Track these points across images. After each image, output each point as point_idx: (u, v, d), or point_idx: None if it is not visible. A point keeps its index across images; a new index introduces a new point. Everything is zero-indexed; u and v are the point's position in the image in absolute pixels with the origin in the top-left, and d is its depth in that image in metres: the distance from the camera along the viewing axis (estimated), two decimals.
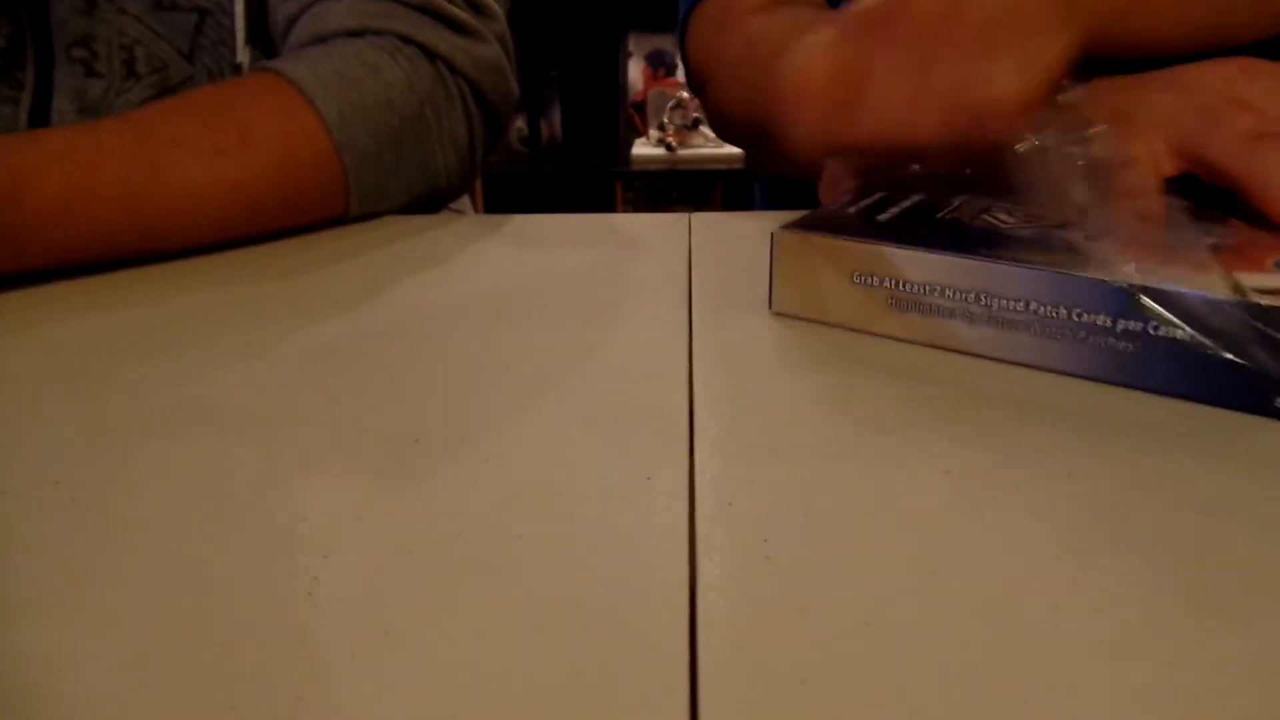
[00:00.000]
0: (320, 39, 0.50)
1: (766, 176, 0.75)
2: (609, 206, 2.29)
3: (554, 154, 2.23)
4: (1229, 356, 0.27)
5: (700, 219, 0.47)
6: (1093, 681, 0.18)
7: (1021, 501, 0.24)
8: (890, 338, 0.33)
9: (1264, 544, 0.22)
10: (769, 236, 0.34)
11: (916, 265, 0.32)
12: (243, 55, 0.55)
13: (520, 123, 2.12)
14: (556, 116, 2.23)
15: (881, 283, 0.32)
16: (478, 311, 0.36)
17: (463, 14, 0.52)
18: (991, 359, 0.31)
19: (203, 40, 0.55)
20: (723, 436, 0.27)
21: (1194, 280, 0.28)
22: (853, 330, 0.33)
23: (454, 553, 0.22)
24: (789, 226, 0.34)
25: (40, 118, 0.54)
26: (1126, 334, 0.29)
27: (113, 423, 0.29)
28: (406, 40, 0.50)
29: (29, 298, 0.39)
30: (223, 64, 0.56)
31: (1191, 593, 0.20)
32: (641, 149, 2.21)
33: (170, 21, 0.54)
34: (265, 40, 0.56)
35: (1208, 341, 0.27)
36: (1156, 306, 0.28)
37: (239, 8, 0.54)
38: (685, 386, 0.30)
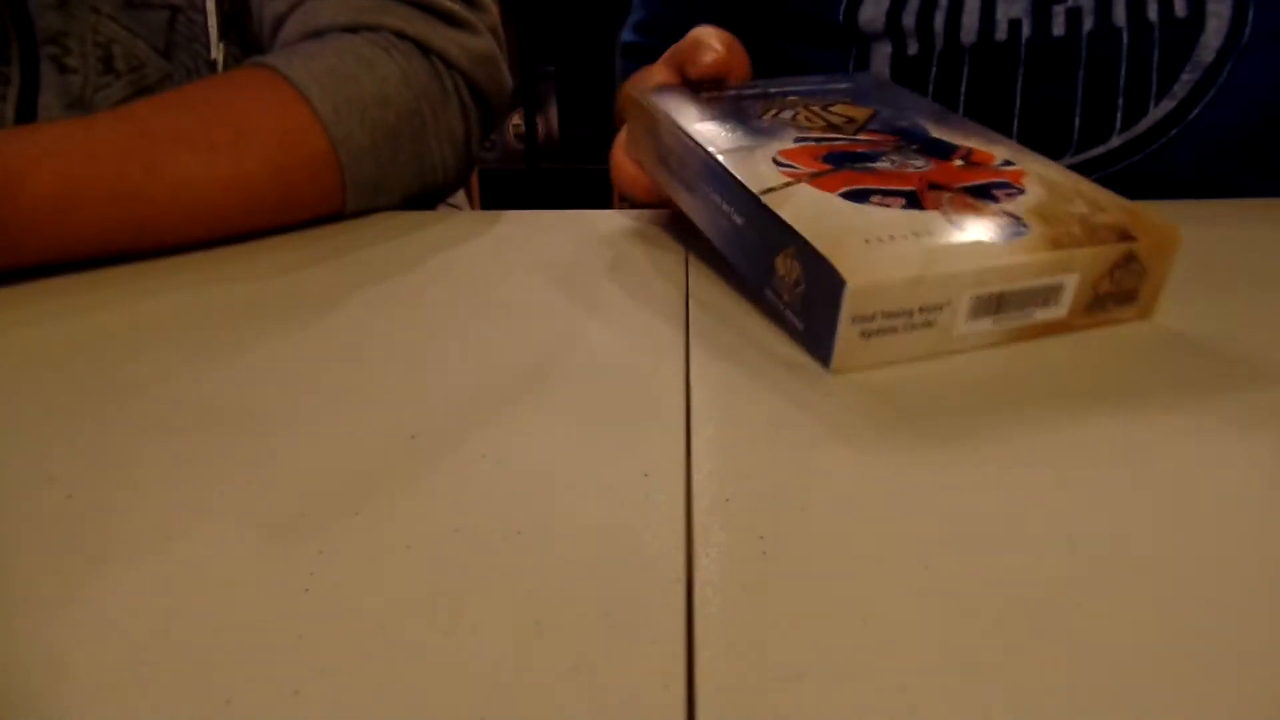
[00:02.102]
0: (313, 35, 0.50)
1: None
2: (606, 203, 2.28)
3: (551, 150, 2.22)
4: (740, 224, 0.34)
5: None
6: (1089, 676, 0.18)
7: (1020, 497, 0.24)
8: (662, 190, 0.41)
9: None
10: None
11: (666, 130, 0.39)
12: (216, 52, 0.54)
13: (517, 119, 2.12)
14: (553, 113, 2.23)
15: (655, 140, 0.41)
16: (475, 307, 0.36)
17: (455, 6, 0.52)
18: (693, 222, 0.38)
19: (177, 38, 0.55)
20: (720, 432, 0.27)
21: (750, 170, 0.34)
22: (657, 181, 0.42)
23: (451, 548, 0.22)
24: (652, 90, 0.43)
25: (28, 114, 0.54)
26: (723, 212, 0.35)
27: (108, 419, 0.28)
28: (401, 35, 0.50)
29: (23, 294, 0.39)
30: (198, 61, 0.55)
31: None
32: None
33: (143, 19, 0.54)
34: (241, 36, 0.56)
35: (733, 214, 0.34)
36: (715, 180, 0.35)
37: (210, 4, 0.53)
38: (682, 382, 0.30)
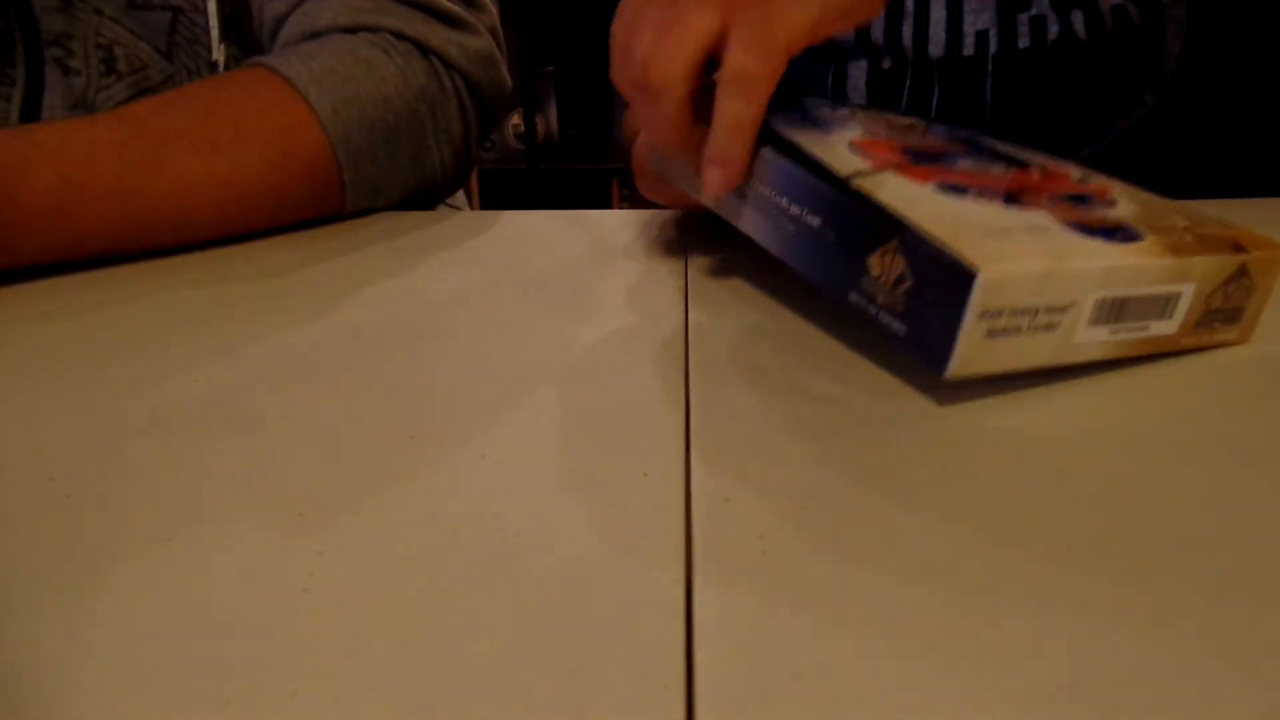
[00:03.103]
0: (312, 36, 0.50)
1: None
2: (605, 203, 2.28)
3: (550, 151, 2.22)
4: (815, 225, 0.30)
5: (695, 215, 0.47)
6: (1088, 676, 0.18)
7: (1019, 498, 0.24)
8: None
9: None
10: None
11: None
12: (218, 53, 0.55)
13: (517, 119, 2.12)
14: (553, 113, 2.23)
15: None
16: (473, 307, 0.36)
17: (454, 7, 0.52)
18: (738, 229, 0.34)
19: (178, 39, 0.55)
20: (719, 432, 0.27)
21: (830, 155, 0.30)
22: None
23: (450, 549, 0.22)
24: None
25: (31, 114, 0.54)
26: (790, 216, 0.31)
27: (107, 419, 0.28)
28: (400, 36, 0.50)
29: (23, 294, 0.39)
30: (199, 62, 0.56)
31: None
32: None
33: (145, 21, 0.54)
34: (241, 38, 0.56)
35: (806, 215, 0.30)
36: (772, 174, 0.32)
37: (211, 5, 0.54)
38: (682, 382, 0.30)
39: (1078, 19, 0.51)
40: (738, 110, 0.32)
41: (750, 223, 0.34)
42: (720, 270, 0.39)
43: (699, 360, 0.31)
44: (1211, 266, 0.29)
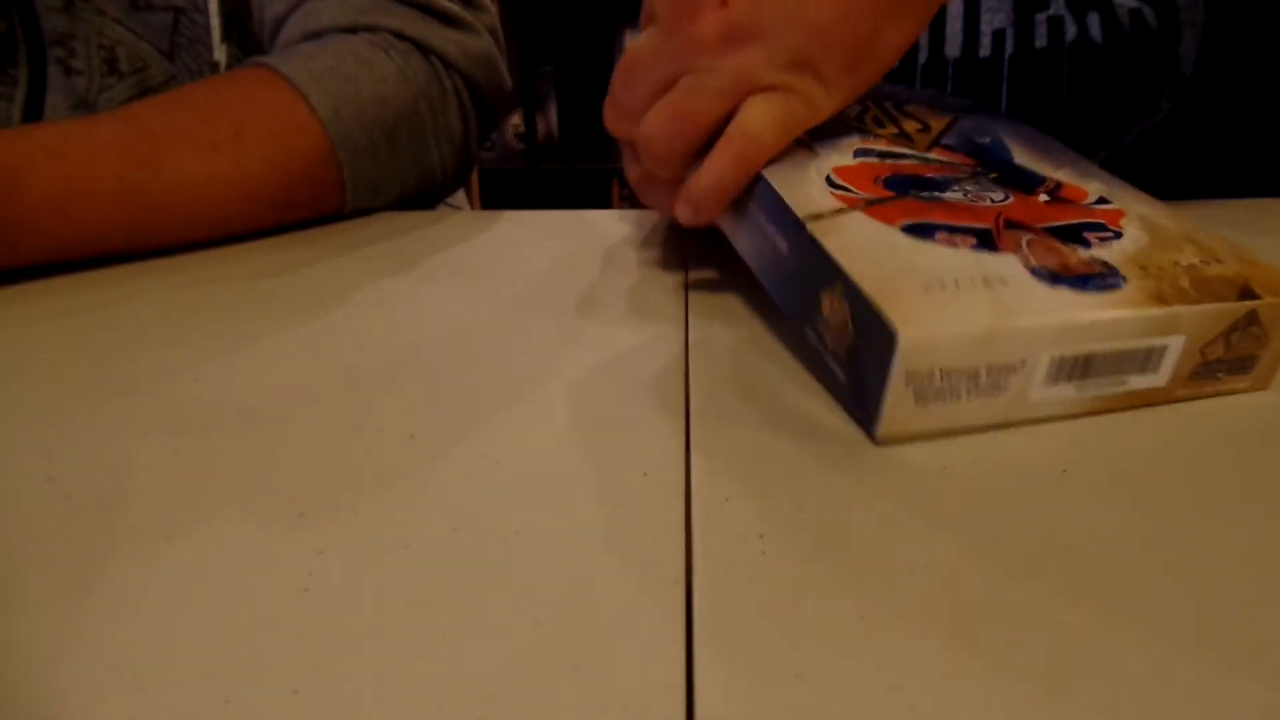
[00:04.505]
0: (312, 36, 0.50)
1: None
2: (605, 203, 2.29)
3: (550, 150, 2.22)
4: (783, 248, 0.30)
5: None
6: (1087, 678, 0.18)
7: (1015, 502, 0.24)
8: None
9: None
10: None
11: None
12: (219, 53, 0.55)
13: (517, 119, 2.12)
14: (553, 113, 2.23)
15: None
16: (473, 307, 0.36)
17: (453, 7, 0.52)
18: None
19: (180, 39, 0.55)
20: (720, 432, 0.27)
21: (799, 190, 0.30)
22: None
23: (450, 548, 0.22)
24: None
25: (34, 114, 0.54)
26: (767, 235, 0.31)
27: (108, 418, 0.28)
28: (399, 35, 0.50)
29: (23, 293, 0.39)
30: (200, 62, 0.56)
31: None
32: None
33: (147, 21, 0.54)
34: (242, 38, 0.56)
35: (778, 238, 0.30)
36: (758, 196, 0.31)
37: (213, 6, 0.54)
38: (682, 382, 0.30)
39: (1093, 21, 0.51)
40: (730, 172, 0.32)
41: (738, 235, 0.33)
42: (720, 270, 0.39)
43: (699, 360, 0.31)
44: (1205, 317, 0.26)
